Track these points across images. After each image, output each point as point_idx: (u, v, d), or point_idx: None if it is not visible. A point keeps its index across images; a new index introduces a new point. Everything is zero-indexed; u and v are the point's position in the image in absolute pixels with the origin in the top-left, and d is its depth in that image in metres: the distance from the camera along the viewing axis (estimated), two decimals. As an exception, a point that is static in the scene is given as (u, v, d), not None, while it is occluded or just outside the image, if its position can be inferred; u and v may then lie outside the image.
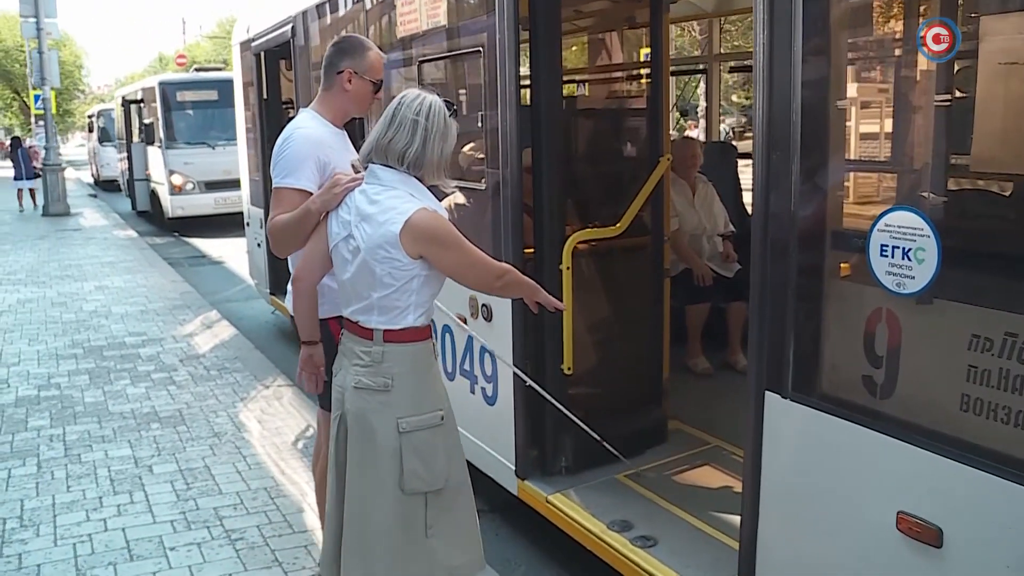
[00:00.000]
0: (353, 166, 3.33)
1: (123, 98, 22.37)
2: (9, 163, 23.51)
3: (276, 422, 5.91)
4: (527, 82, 4.32)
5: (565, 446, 4.30)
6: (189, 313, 9.46)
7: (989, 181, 2.45)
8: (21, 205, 21.89)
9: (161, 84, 17.61)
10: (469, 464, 3.11)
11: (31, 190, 21.85)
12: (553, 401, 4.06)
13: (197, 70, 19.99)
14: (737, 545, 3.04)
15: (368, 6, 5.69)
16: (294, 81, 7.24)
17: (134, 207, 20.65)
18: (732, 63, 9.12)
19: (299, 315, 3.14)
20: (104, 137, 27.94)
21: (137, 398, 6.45)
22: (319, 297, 3.32)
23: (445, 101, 2.80)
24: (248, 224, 9.43)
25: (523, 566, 4.24)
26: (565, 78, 6.20)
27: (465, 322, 4.38)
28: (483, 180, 4.28)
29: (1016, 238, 2.41)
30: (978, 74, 2.19)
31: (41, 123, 22.26)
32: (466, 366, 4.57)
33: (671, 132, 5.09)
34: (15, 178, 21.98)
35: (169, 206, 17.13)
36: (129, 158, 20.50)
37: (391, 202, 2.71)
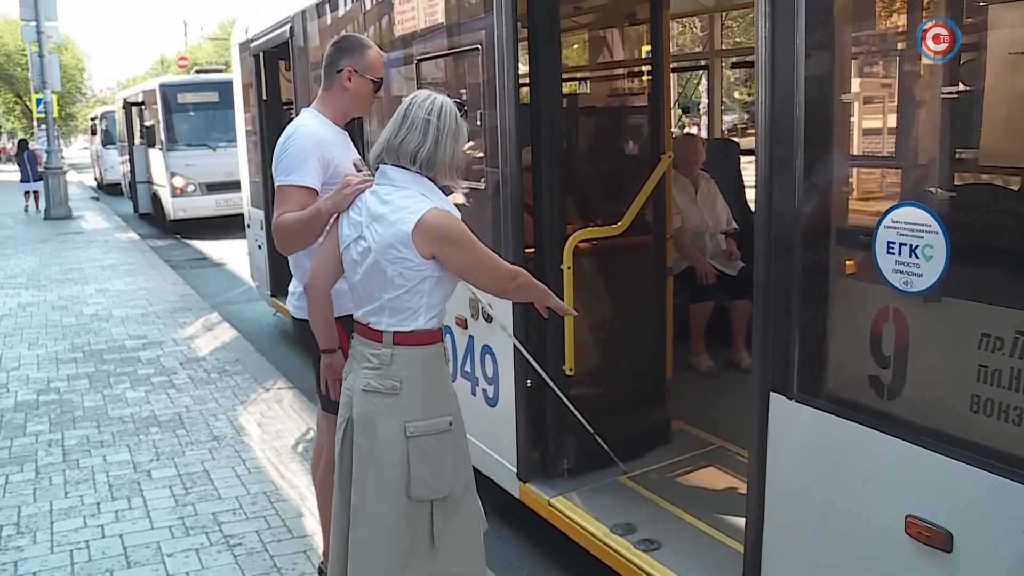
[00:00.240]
0: (355, 165, 3.33)
1: (124, 100, 22.37)
2: (14, 166, 23.69)
3: (276, 425, 5.87)
4: (526, 80, 4.27)
5: (567, 448, 4.24)
6: (190, 315, 9.42)
7: (998, 175, 2.39)
8: (30, 206, 22.13)
9: (162, 86, 17.60)
10: (470, 466, 3.05)
11: (35, 192, 21.98)
12: (566, 401, 4.03)
13: (198, 72, 19.98)
14: (742, 548, 2.98)
15: (366, 5, 5.65)
16: (293, 81, 7.19)
17: (136, 210, 20.65)
18: (734, 59, 9.04)
19: (315, 323, 3.09)
20: (107, 140, 27.93)
21: (136, 402, 6.41)
22: None
23: (456, 102, 2.78)
24: (249, 226, 9.39)
25: (525, 569, 4.18)
26: (565, 76, 6.15)
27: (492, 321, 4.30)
28: (483, 179, 4.23)
29: (1027, 234, 2.35)
30: (987, 66, 2.13)
31: (43, 127, 22.27)
32: (467, 368, 4.52)
33: (672, 129, 5.03)
34: (22, 180, 22.38)
35: (170, 208, 17.11)
36: (131, 161, 20.49)
37: (403, 202, 2.68)
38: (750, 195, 7.00)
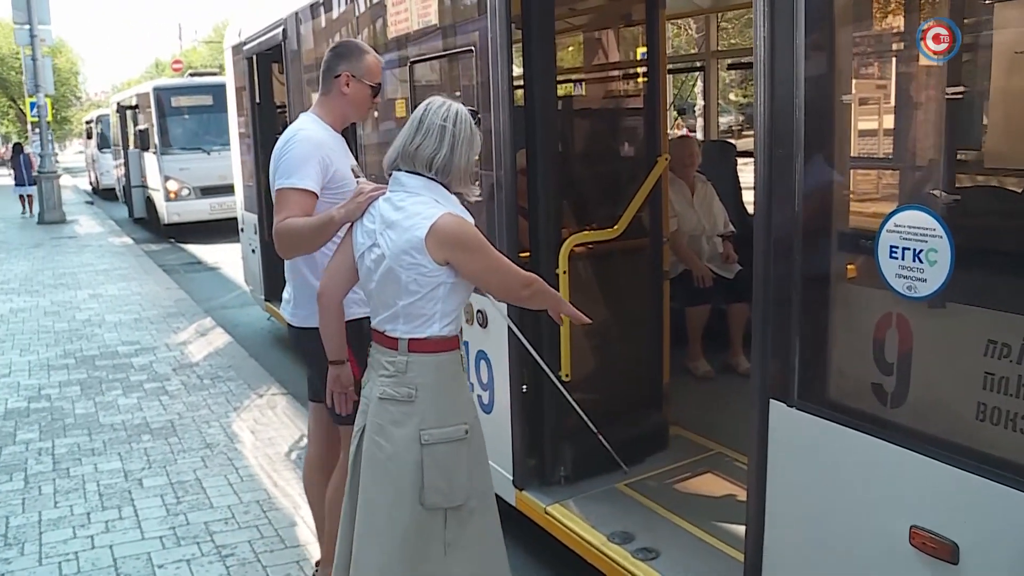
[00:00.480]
0: (352, 171, 3.34)
1: (118, 104, 22.29)
2: (8, 170, 23.71)
3: (270, 432, 5.80)
4: (521, 82, 4.22)
5: (564, 455, 4.19)
6: (183, 321, 9.35)
7: (1004, 178, 2.33)
8: (25, 210, 22.24)
9: (155, 90, 17.53)
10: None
11: (28, 196, 21.97)
12: (574, 403, 3.98)
13: (192, 75, 19.92)
14: (742, 557, 2.92)
15: (359, 7, 5.59)
16: (286, 84, 7.13)
17: (131, 214, 20.57)
18: (731, 60, 8.99)
19: (325, 333, 3.05)
20: (103, 143, 27.81)
21: (128, 409, 6.34)
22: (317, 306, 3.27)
23: (469, 110, 2.77)
24: (243, 230, 9.33)
25: (522, 578, 4.13)
26: (560, 78, 6.10)
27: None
28: (477, 183, 4.17)
29: (1033, 237, 2.29)
30: (992, 65, 2.08)
31: (37, 131, 22.21)
32: (462, 373, 4.46)
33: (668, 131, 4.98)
34: (16, 184, 22.40)
35: (165, 212, 17.04)
36: (125, 165, 20.42)
37: (416, 208, 2.66)
38: (747, 197, 6.96)
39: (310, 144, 3.24)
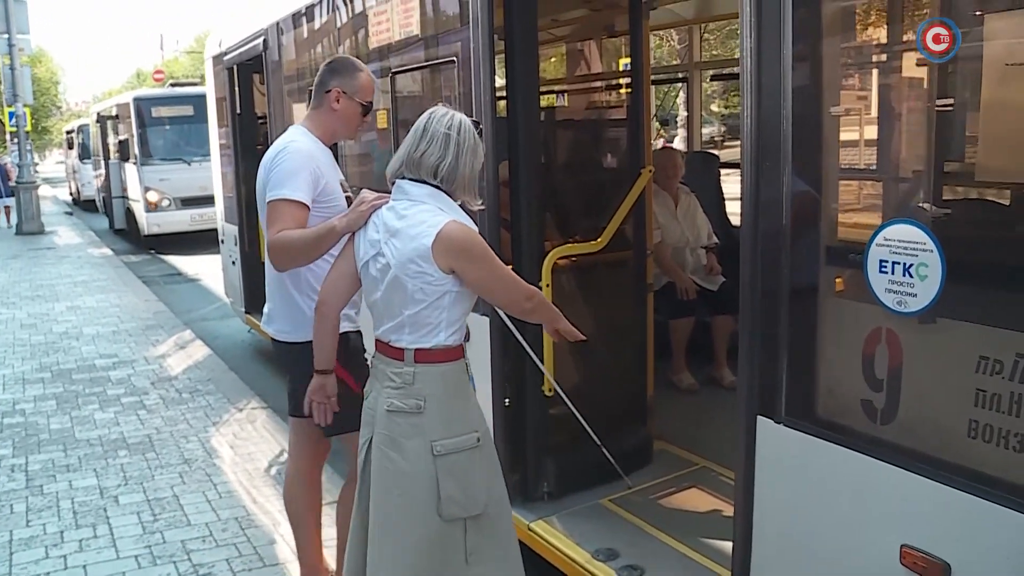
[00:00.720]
0: (341, 184, 3.36)
1: (98, 114, 22.13)
2: None
3: (249, 447, 5.72)
4: (503, 93, 4.18)
5: (547, 470, 4.14)
6: (162, 333, 9.24)
7: (995, 191, 2.30)
8: (7, 221, 21.82)
9: (136, 100, 17.39)
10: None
11: (7, 208, 21.71)
12: (575, 411, 3.98)
13: (173, 85, 19.80)
14: (728, 574, 2.88)
15: (340, 17, 5.54)
16: (267, 95, 7.07)
17: (111, 225, 20.39)
18: (716, 71, 8.99)
19: (318, 342, 3.02)
20: (84, 154, 27.56)
21: (105, 424, 6.24)
22: (303, 321, 3.26)
23: (472, 120, 2.76)
24: (223, 241, 9.24)
25: (505, 597, 4.05)
26: (543, 89, 6.07)
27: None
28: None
29: (1026, 252, 2.26)
30: (983, 77, 2.04)
31: (15, 141, 21.98)
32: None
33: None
34: None
35: (145, 223, 16.89)
36: (106, 175, 20.25)
37: (421, 216, 2.65)
38: (730, 208, 6.95)
39: (301, 156, 3.22)
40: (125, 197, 18.70)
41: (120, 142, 17.85)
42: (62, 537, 4.44)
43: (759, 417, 2.61)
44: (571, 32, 7.16)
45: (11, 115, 20.45)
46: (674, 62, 19.20)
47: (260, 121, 8.12)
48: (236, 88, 8.10)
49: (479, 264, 2.67)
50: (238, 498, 4.89)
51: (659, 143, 13.45)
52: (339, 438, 3.50)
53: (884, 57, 2.51)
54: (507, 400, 3.98)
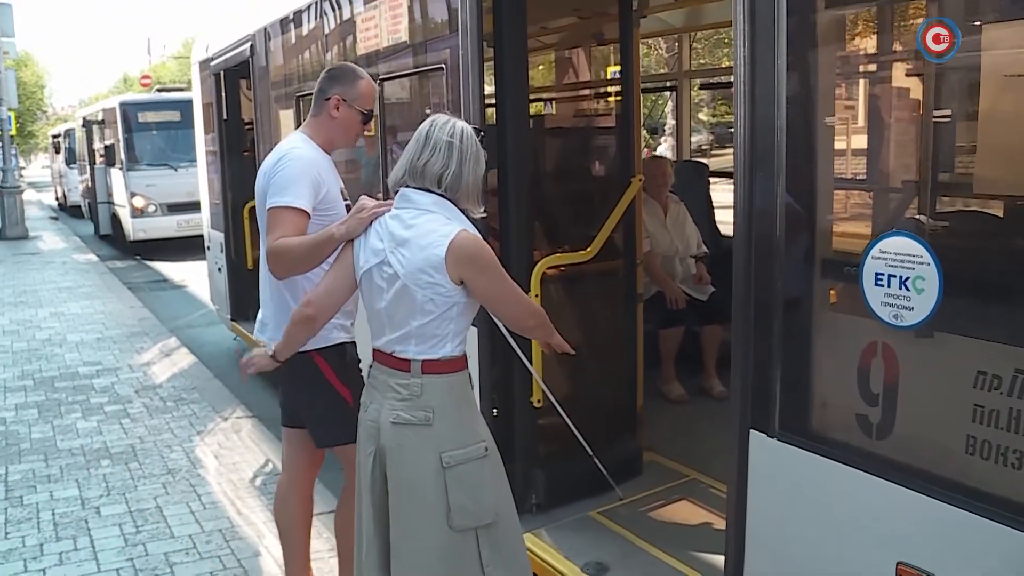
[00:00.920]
0: (341, 192, 3.31)
1: (84, 119, 21.98)
2: None
3: (234, 457, 5.65)
4: (492, 101, 4.14)
5: (535, 482, 4.09)
6: (147, 340, 9.15)
7: (994, 203, 2.27)
8: None
9: (122, 105, 17.28)
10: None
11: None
12: (568, 421, 3.93)
13: (159, 90, 19.68)
14: (720, 590, 2.84)
15: (328, 23, 5.50)
16: (254, 101, 7.02)
17: (97, 231, 20.24)
18: (704, 79, 8.98)
19: (292, 338, 2.95)
20: (71, 159, 27.36)
21: (88, 433, 6.15)
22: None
23: (474, 128, 2.72)
24: (209, 248, 9.17)
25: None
26: (532, 97, 6.04)
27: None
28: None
29: (1025, 265, 2.23)
30: (981, 88, 2.01)
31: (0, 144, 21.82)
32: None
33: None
34: None
35: (131, 229, 16.77)
36: (91, 180, 20.11)
37: (430, 225, 2.61)
38: (719, 217, 6.93)
39: (302, 163, 3.17)
40: (111, 202, 18.57)
41: (106, 147, 17.74)
42: (42, 550, 4.36)
43: (752, 431, 2.57)
44: (561, 40, 7.14)
45: (-4, 119, 20.32)
46: (661, 70, 19.23)
47: (247, 127, 8.06)
48: (223, 94, 8.05)
49: (489, 276, 2.64)
50: (222, 509, 4.82)
51: (643, 153, 13.46)
52: (332, 449, 3.48)
53: (880, 66, 2.47)
54: (495, 411, 3.93)
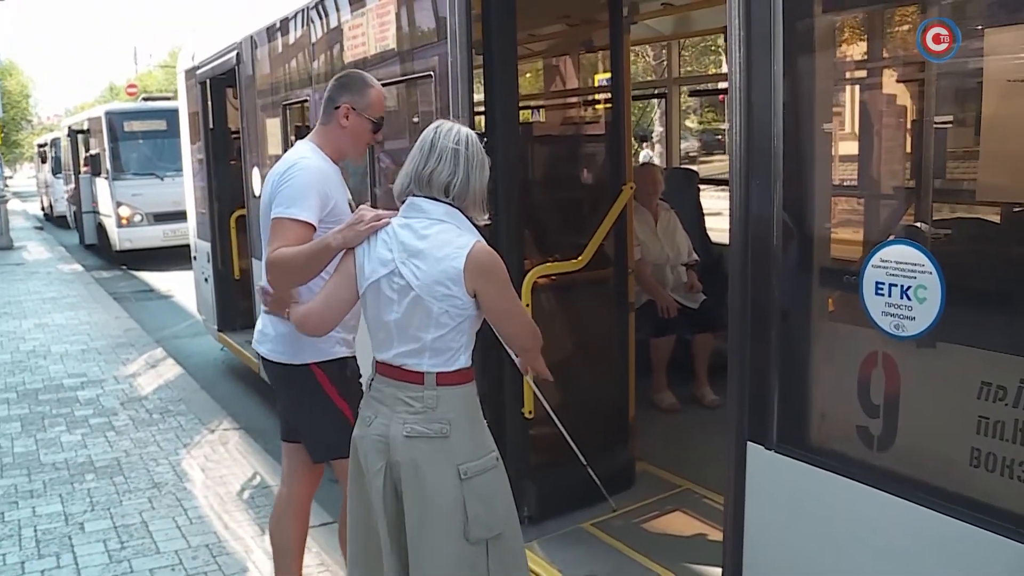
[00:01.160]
0: (349, 203, 3.22)
1: (69, 128, 21.86)
2: None
3: (221, 470, 5.56)
4: (482, 108, 4.10)
5: (527, 494, 4.04)
6: (133, 351, 9.05)
7: (998, 211, 2.23)
8: None
9: (107, 114, 17.17)
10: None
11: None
12: (565, 434, 3.93)
13: (146, 99, 19.58)
14: (717, 605, 2.79)
15: (315, 31, 5.45)
16: (240, 110, 6.96)
17: (82, 241, 20.10)
18: (693, 87, 8.97)
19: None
20: (57, 168, 27.16)
21: (72, 446, 6.06)
22: (299, 343, 3.18)
23: (477, 133, 2.67)
24: (195, 258, 9.09)
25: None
26: (521, 104, 6.00)
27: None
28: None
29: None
30: (984, 93, 1.97)
31: (-17, 154, 21.71)
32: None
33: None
34: None
35: (116, 238, 16.65)
36: (76, 190, 19.98)
37: (444, 236, 2.55)
38: (709, 224, 6.90)
39: (311, 174, 3.09)
40: (96, 212, 18.45)
41: (91, 156, 17.62)
42: (23, 568, 4.27)
43: (749, 443, 2.52)
44: (550, 47, 7.10)
45: (-21, 128, 20.20)
46: (649, 78, 19.27)
47: (233, 136, 8.00)
48: (209, 102, 7.98)
49: (501, 289, 2.59)
50: (209, 524, 4.74)
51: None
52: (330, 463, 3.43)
53: (879, 71, 2.44)
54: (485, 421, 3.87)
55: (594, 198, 4.64)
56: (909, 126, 2.34)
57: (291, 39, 5.93)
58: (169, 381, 7.84)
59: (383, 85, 4.56)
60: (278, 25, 6.07)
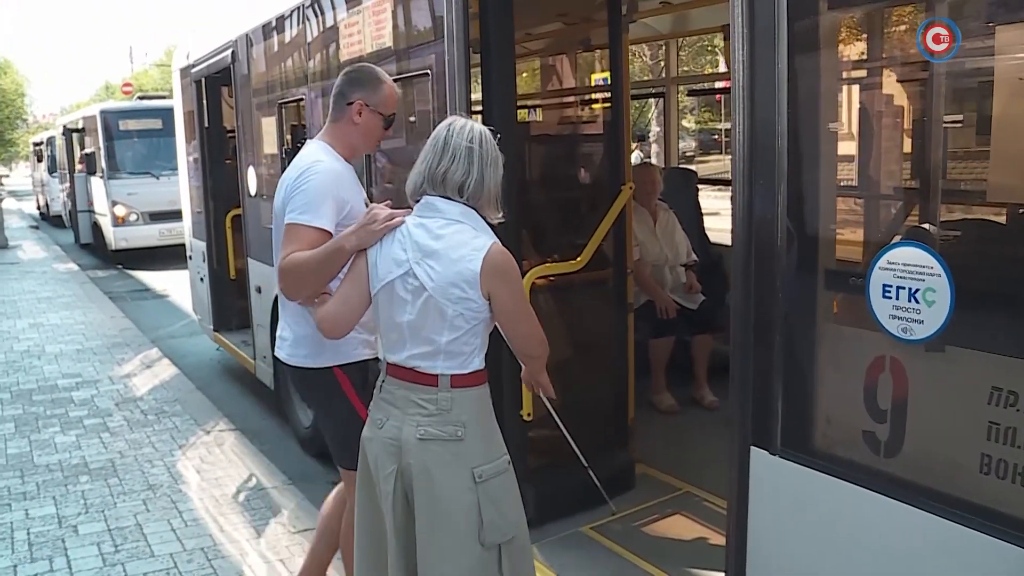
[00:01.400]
0: (365, 204, 3.13)
1: (64, 127, 21.78)
2: None
3: (216, 472, 5.52)
4: (479, 107, 4.06)
5: (526, 497, 3.94)
6: (128, 351, 8.99)
7: (1008, 212, 2.19)
8: None
9: (102, 113, 17.10)
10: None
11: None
12: (567, 435, 3.89)
13: (141, 98, 19.52)
14: (719, 611, 2.75)
15: (311, 29, 5.40)
16: (235, 108, 6.91)
17: (77, 240, 20.02)
18: (692, 86, 8.93)
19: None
20: (53, 167, 27.03)
21: (66, 448, 6.00)
22: (319, 346, 3.10)
23: (490, 129, 2.61)
24: (191, 257, 9.03)
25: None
26: (519, 103, 5.96)
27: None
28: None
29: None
30: (994, 92, 1.93)
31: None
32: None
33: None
34: None
35: (112, 238, 16.59)
36: (72, 189, 19.92)
37: (459, 237, 2.50)
38: (707, 224, 6.86)
39: (328, 179, 2.99)
40: (91, 211, 18.38)
41: (86, 155, 17.55)
42: (15, 572, 4.22)
43: (753, 448, 2.48)
44: (548, 46, 7.06)
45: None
46: (646, 77, 19.24)
47: (229, 135, 7.95)
48: (204, 101, 7.93)
49: (514, 292, 2.55)
50: (204, 527, 4.69)
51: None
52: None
53: (887, 70, 2.40)
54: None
55: (593, 198, 4.60)
56: (917, 125, 2.30)
57: (286, 37, 5.88)
58: (164, 381, 7.79)
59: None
60: (273, 23, 6.02)
